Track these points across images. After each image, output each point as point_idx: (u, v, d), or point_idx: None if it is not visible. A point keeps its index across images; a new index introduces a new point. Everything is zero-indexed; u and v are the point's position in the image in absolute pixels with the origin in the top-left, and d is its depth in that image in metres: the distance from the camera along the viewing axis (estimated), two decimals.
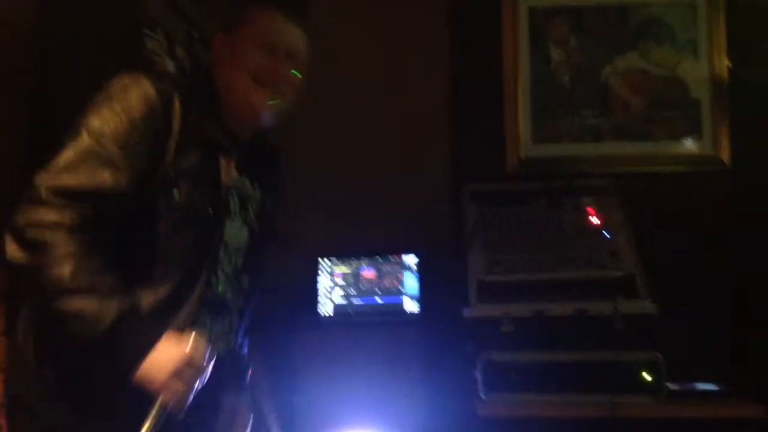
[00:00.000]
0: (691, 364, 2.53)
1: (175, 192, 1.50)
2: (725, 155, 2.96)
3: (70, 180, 1.43)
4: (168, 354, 1.40)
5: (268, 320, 2.59)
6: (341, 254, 2.81)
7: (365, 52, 3.06)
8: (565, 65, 3.07)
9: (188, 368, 1.41)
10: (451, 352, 2.59)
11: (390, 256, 2.80)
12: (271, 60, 1.66)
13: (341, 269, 2.80)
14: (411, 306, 2.76)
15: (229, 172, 1.62)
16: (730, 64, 2.98)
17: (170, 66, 2.35)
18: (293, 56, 1.71)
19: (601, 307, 2.38)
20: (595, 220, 2.67)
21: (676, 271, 2.71)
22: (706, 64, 3.03)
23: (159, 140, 1.51)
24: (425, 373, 2.69)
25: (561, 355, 2.38)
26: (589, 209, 2.71)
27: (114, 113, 1.48)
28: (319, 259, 2.81)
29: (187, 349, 1.41)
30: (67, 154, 1.45)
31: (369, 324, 2.74)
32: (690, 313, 2.69)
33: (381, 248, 2.82)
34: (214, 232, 1.59)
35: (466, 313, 2.46)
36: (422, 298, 2.76)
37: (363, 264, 2.80)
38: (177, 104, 1.53)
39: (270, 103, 1.66)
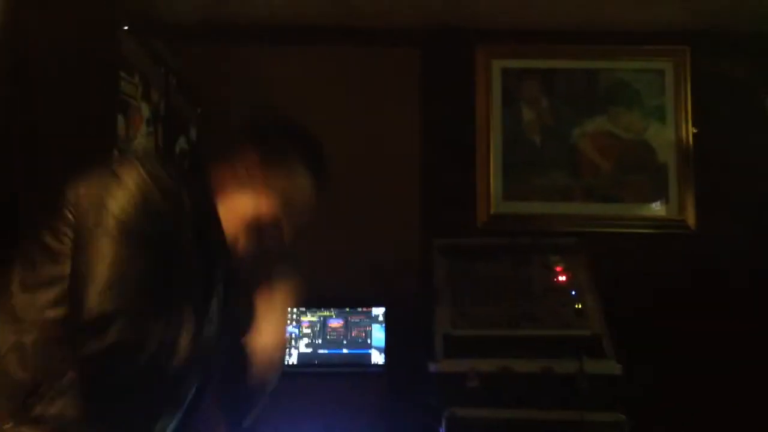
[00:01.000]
0: (654, 426, 2.53)
1: None
2: (691, 219, 3.02)
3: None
4: None
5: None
6: (309, 304, 2.80)
7: (339, 108, 3.08)
8: (536, 125, 3.13)
9: None
10: (416, 406, 2.56)
11: (358, 308, 2.79)
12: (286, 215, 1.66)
13: (308, 318, 2.78)
14: (377, 358, 2.74)
15: None
16: (696, 130, 3.06)
17: (145, 110, 2.36)
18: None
19: (567, 365, 2.38)
20: (562, 279, 2.69)
21: (642, 331, 2.73)
22: (672, 129, 3.11)
23: None
24: (389, 426, 2.66)
25: (526, 413, 2.36)
26: (557, 267, 2.73)
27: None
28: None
29: None
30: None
31: (334, 374, 2.71)
32: (654, 373, 2.70)
33: (350, 300, 2.81)
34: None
35: (432, 367, 2.45)
36: (389, 351, 2.74)
37: (331, 315, 2.78)
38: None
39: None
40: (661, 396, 2.71)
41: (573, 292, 2.64)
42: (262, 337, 1.62)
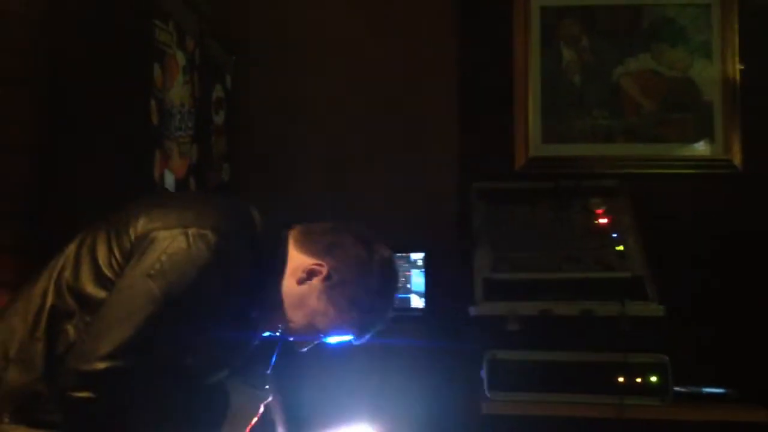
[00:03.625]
0: (698, 368, 2.52)
1: None
2: (737, 158, 2.93)
3: None
4: None
5: None
6: None
7: (373, 50, 3.04)
8: (576, 65, 3.06)
9: None
10: (456, 350, 2.58)
11: (397, 253, 2.78)
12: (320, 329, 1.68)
13: None
14: (417, 303, 2.75)
15: None
16: (743, 67, 2.96)
17: (180, 58, 2.35)
18: None
19: (609, 308, 2.37)
20: (603, 221, 2.66)
21: (685, 273, 2.70)
22: (718, 66, 3.00)
23: None
24: (430, 370, 2.69)
25: (567, 355, 2.36)
26: (598, 210, 2.70)
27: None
28: None
29: None
30: None
31: None
32: (698, 315, 2.67)
33: (389, 245, 2.81)
34: None
35: (473, 311, 2.45)
36: (428, 296, 2.75)
37: None
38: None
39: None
40: (705, 339, 2.68)
41: (614, 235, 2.61)
42: None
